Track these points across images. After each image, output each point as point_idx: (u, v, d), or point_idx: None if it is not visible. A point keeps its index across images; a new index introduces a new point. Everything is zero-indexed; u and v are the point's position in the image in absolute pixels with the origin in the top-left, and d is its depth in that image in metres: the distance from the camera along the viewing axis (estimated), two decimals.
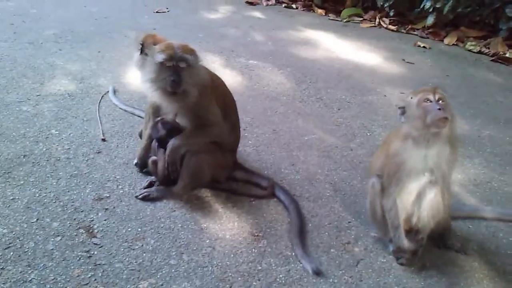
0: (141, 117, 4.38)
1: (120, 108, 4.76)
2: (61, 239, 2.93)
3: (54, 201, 3.28)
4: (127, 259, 2.85)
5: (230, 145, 3.63)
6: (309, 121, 4.87)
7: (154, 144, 3.52)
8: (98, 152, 3.94)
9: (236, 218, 3.32)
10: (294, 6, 10.31)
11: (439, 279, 2.93)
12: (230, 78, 5.67)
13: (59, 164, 3.71)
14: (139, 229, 3.11)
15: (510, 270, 3.02)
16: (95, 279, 2.66)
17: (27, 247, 2.82)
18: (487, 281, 2.93)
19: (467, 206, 3.66)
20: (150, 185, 3.54)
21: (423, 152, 2.82)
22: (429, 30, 8.69)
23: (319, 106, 5.25)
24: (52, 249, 2.83)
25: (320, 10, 9.97)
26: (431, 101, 2.76)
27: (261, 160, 4.08)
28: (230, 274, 2.81)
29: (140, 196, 3.41)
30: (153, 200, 3.40)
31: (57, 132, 4.16)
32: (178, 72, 3.14)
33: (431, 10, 8.41)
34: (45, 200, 3.27)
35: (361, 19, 9.55)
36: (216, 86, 3.52)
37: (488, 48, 7.80)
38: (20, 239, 2.88)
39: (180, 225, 3.19)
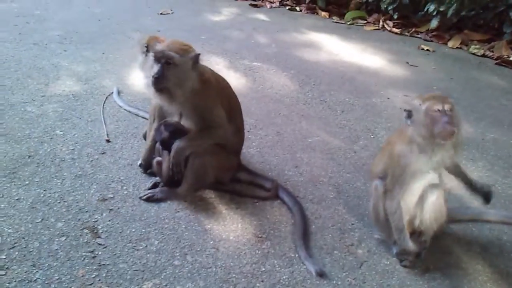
0: (145, 118, 4.39)
1: (124, 109, 4.77)
2: (65, 239, 2.94)
3: (58, 201, 3.29)
4: (131, 259, 2.85)
5: (234, 147, 3.63)
6: (312, 123, 4.87)
7: (158, 145, 3.53)
8: (103, 153, 3.96)
9: (240, 219, 3.33)
10: (298, 8, 10.35)
11: (442, 282, 2.93)
12: (234, 80, 5.69)
13: (64, 165, 3.72)
14: (143, 230, 3.12)
15: None
16: (100, 279, 2.67)
17: (32, 247, 2.83)
18: (490, 284, 2.93)
19: (470, 209, 3.64)
20: (154, 186, 3.55)
21: (427, 156, 2.83)
22: (433, 33, 8.70)
23: (323, 109, 5.26)
24: (56, 249, 2.85)
25: (323, 13, 10.00)
26: (439, 111, 2.74)
27: (265, 162, 4.08)
28: (233, 275, 2.82)
29: (144, 197, 3.42)
30: (157, 201, 3.41)
31: (61, 132, 4.18)
32: (163, 69, 3.12)
33: (435, 13, 8.43)
34: (50, 200, 3.28)
35: (365, 21, 9.57)
36: (221, 88, 3.52)
37: (492, 51, 7.80)
38: (25, 239, 2.89)
39: (184, 226, 3.20)
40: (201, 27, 8.23)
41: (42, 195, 3.33)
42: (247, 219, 3.34)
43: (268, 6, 10.43)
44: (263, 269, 2.89)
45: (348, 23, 9.42)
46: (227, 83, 3.67)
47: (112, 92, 5.08)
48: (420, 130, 2.79)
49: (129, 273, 2.75)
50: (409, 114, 2.85)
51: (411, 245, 2.95)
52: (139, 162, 3.76)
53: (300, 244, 3.07)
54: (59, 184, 3.48)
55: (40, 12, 8.09)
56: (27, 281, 2.59)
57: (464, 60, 7.59)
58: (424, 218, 2.91)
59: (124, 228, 3.12)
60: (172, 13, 9.06)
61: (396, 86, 6.13)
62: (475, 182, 3.12)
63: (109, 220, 3.17)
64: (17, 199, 3.25)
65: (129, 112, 4.72)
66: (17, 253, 2.77)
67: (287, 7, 10.39)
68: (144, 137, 3.98)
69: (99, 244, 2.95)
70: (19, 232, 2.94)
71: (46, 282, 2.60)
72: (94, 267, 2.75)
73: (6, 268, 2.66)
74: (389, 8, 9.26)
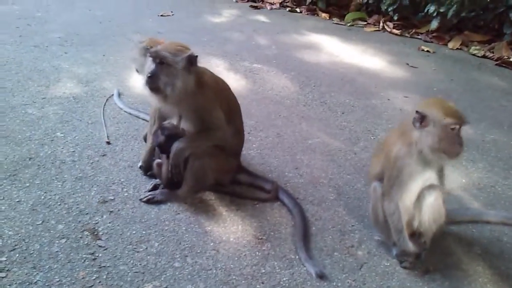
0: (145, 120, 4.40)
1: (124, 111, 4.78)
2: (66, 241, 2.94)
3: (59, 203, 3.29)
4: (131, 261, 2.86)
5: (234, 149, 3.64)
6: (313, 125, 4.88)
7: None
8: (103, 155, 3.96)
9: (240, 221, 3.33)
10: (298, 10, 10.36)
11: (442, 283, 2.93)
12: (234, 82, 5.70)
13: (64, 167, 3.73)
14: (144, 232, 3.12)
15: None
16: (100, 281, 2.67)
17: (32, 249, 2.84)
18: (490, 285, 2.92)
19: (470, 210, 3.65)
20: (155, 188, 3.56)
21: (425, 162, 2.82)
22: (433, 34, 8.71)
23: (323, 110, 5.27)
24: (57, 251, 2.85)
25: (324, 14, 10.01)
26: (456, 129, 2.72)
27: (265, 163, 4.09)
28: (234, 277, 2.82)
29: (145, 199, 3.42)
30: (157, 203, 3.42)
31: (62, 134, 4.19)
32: (157, 69, 3.14)
33: (435, 14, 8.44)
34: (50, 203, 3.29)
35: (365, 23, 9.58)
36: (220, 90, 3.53)
37: (493, 52, 7.80)
38: (26, 241, 2.90)
39: (184, 228, 3.20)
40: (202, 29, 8.24)
41: (42, 197, 3.33)
42: (247, 221, 3.34)
43: (269, 7, 10.45)
44: (263, 270, 2.89)
45: (349, 24, 9.43)
46: (226, 85, 3.67)
47: (113, 94, 5.09)
48: (429, 140, 2.73)
49: (130, 275, 2.75)
50: (421, 119, 2.75)
51: (410, 246, 2.95)
52: (140, 164, 3.77)
53: (300, 245, 3.07)
54: (59, 186, 3.49)
55: (41, 14, 8.12)
56: (27, 283, 2.59)
57: (464, 61, 7.59)
58: (423, 220, 2.90)
59: (124, 230, 3.12)
60: (173, 15, 9.08)
61: (396, 87, 6.14)
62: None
63: (109, 222, 3.18)
64: (17, 201, 3.26)
65: (130, 114, 4.73)
66: (17, 255, 2.78)
67: (288, 9, 10.41)
68: (145, 139, 3.99)
69: (99, 246, 2.95)
70: (19, 234, 2.94)
71: (47, 284, 2.60)
72: (95, 269, 2.75)
73: (7, 270, 2.67)
74: (389, 9, 9.27)
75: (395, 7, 9.16)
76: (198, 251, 3.00)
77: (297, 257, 3.02)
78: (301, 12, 10.28)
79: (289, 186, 3.79)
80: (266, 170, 3.98)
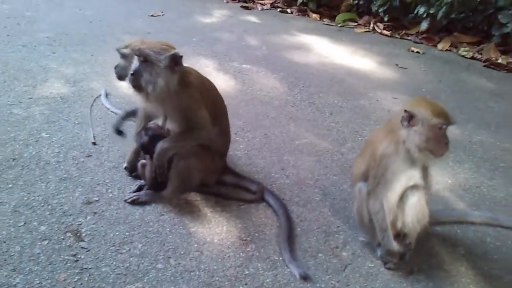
0: (133, 120, 4.37)
1: (112, 111, 4.76)
2: (48, 243, 2.92)
3: (42, 204, 3.27)
4: (114, 263, 2.84)
5: (219, 149, 3.62)
6: (301, 126, 4.88)
7: None
8: (89, 156, 3.94)
9: (224, 222, 3.32)
10: (289, 10, 10.34)
11: (426, 284, 2.93)
12: (223, 83, 5.69)
13: (49, 168, 3.71)
14: (127, 233, 3.11)
15: (496, 275, 3.03)
16: (81, 283, 2.66)
17: (13, 251, 2.82)
18: (473, 285, 2.94)
19: (455, 211, 3.66)
20: (139, 189, 3.54)
21: (412, 161, 2.83)
22: (423, 36, 8.71)
23: (311, 111, 5.26)
24: (38, 253, 2.83)
25: (314, 15, 10.00)
26: (443, 130, 2.74)
27: (251, 164, 4.08)
28: (217, 278, 2.81)
29: (129, 200, 3.41)
30: (142, 204, 3.40)
31: (47, 135, 4.16)
32: (140, 67, 3.14)
33: (425, 15, 8.45)
34: (34, 204, 3.26)
35: (356, 24, 9.57)
36: (206, 89, 3.51)
37: (481, 53, 7.82)
38: (6, 243, 2.87)
39: (168, 229, 3.19)
40: (192, 29, 8.22)
41: (25, 198, 3.31)
42: (232, 222, 3.33)
43: (259, 8, 10.43)
44: (247, 272, 2.88)
45: (339, 25, 9.42)
46: (213, 85, 3.66)
47: (100, 95, 5.06)
48: (416, 139, 2.75)
49: (112, 277, 2.74)
50: (409, 118, 2.77)
51: (395, 245, 2.94)
52: (125, 165, 3.75)
53: (284, 247, 3.06)
54: (43, 187, 3.47)
55: (31, 13, 8.07)
56: (7, 286, 2.57)
57: (453, 62, 7.61)
58: (406, 220, 2.89)
59: (108, 231, 3.11)
60: (163, 15, 9.04)
61: (385, 88, 6.14)
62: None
63: (93, 223, 3.16)
64: None
65: (117, 114, 4.70)
66: None
67: (278, 9, 10.38)
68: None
69: (82, 247, 2.93)
70: (0, 236, 2.91)
71: (26, 286, 2.58)
72: (76, 271, 2.74)
73: None
74: (380, 11, 9.27)
75: (385, 8, 9.17)
76: (182, 252, 2.99)
77: (281, 258, 3.02)
78: (292, 12, 10.27)
79: (275, 187, 3.78)
80: (253, 171, 3.97)
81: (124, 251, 2.95)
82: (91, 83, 5.38)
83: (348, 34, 8.91)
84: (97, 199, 3.42)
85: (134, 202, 3.40)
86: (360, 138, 4.71)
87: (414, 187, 2.85)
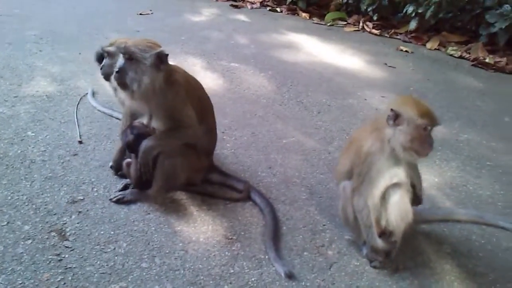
0: (119, 119, 4.35)
1: (98, 110, 4.73)
2: (31, 242, 2.89)
3: (26, 203, 3.24)
4: (98, 262, 2.82)
5: (206, 148, 3.61)
6: (288, 124, 4.87)
7: None
8: (74, 155, 3.91)
9: (210, 221, 3.31)
10: (278, 9, 10.35)
11: (411, 282, 2.94)
12: (211, 81, 5.68)
13: (34, 167, 3.67)
14: (112, 232, 3.09)
15: (480, 272, 3.04)
16: (65, 283, 2.63)
17: None
18: (457, 283, 2.95)
19: (441, 210, 3.68)
20: (125, 188, 3.52)
21: (395, 158, 2.83)
22: (412, 35, 8.77)
23: (299, 109, 5.26)
24: (21, 252, 2.80)
25: (304, 14, 10.02)
26: (428, 130, 2.74)
27: (238, 163, 4.07)
28: (201, 277, 2.80)
29: (114, 199, 3.38)
30: (127, 203, 3.38)
31: (33, 134, 4.13)
32: (125, 64, 3.12)
33: (413, 15, 8.49)
34: (17, 203, 3.23)
35: (345, 23, 9.61)
36: (192, 88, 3.49)
37: (469, 53, 7.88)
38: None
39: (153, 228, 3.17)
40: (181, 28, 8.19)
41: (9, 197, 3.28)
42: (218, 220, 3.32)
43: (249, 7, 10.42)
44: (232, 271, 2.87)
45: (328, 24, 9.45)
46: (199, 83, 3.64)
47: (87, 93, 5.03)
48: (401, 138, 2.75)
49: (96, 276, 2.72)
50: (395, 117, 2.76)
51: (379, 242, 2.94)
52: (111, 163, 3.73)
53: (270, 245, 3.05)
54: (28, 186, 3.43)
55: (19, 11, 8.03)
56: None
57: (441, 62, 7.66)
58: (390, 219, 2.89)
59: (92, 230, 3.08)
60: (152, 13, 9.02)
61: (374, 87, 6.16)
62: (419, 193, 3.10)
63: (77, 223, 3.13)
64: None
65: (103, 113, 4.68)
66: None
67: (268, 8, 10.39)
68: None
69: (66, 247, 2.91)
70: None
71: (9, 287, 2.55)
72: (60, 271, 2.71)
73: None
74: (369, 10, 9.32)
75: (374, 7, 9.21)
76: (167, 251, 2.98)
77: (266, 257, 3.00)
78: (281, 11, 10.27)
79: (262, 185, 3.77)
80: (239, 170, 3.96)
81: (109, 250, 2.93)
82: (78, 82, 5.34)
83: (337, 33, 8.94)
84: (82, 198, 3.39)
85: (119, 201, 3.38)
86: (347, 137, 4.70)
87: (396, 185, 2.85)
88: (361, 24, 9.37)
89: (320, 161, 4.22)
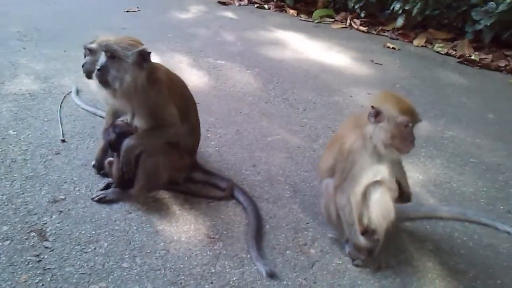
0: (103, 117, 4.30)
1: (82, 108, 4.69)
2: (10, 243, 2.86)
3: (6, 203, 3.20)
4: (78, 262, 2.79)
5: (188, 146, 3.59)
6: (273, 122, 4.86)
7: None
8: (57, 153, 3.88)
9: (193, 220, 3.29)
10: (266, 6, 10.31)
11: (393, 280, 2.94)
12: (196, 79, 5.65)
13: (15, 166, 3.63)
14: (93, 232, 3.06)
15: (462, 269, 3.06)
16: (43, 284, 2.60)
17: None
18: (439, 280, 2.95)
19: (424, 207, 3.69)
20: (107, 187, 3.49)
21: (378, 155, 2.83)
22: (399, 32, 8.77)
23: (285, 107, 5.25)
24: None
25: (292, 11, 9.99)
26: (409, 127, 2.72)
27: (222, 161, 4.05)
28: (182, 277, 2.78)
29: (96, 198, 3.36)
30: (109, 202, 3.35)
31: (15, 132, 4.08)
32: (107, 62, 3.09)
33: (400, 12, 8.50)
34: None
35: (333, 20, 9.59)
36: (174, 86, 3.47)
37: (455, 50, 7.91)
38: None
39: (135, 227, 3.15)
40: (168, 25, 8.14)
41: None
42: (200, 219, 3.30)
43: (237, 4, 10.38)
44: (213, 270, 2.86)
45: (316, 21, 9.42)
46: (182, 81, 3.61)
47: (71, 91, 4.98)
48: (382, 135, 2.74)
49: (75, 277, 2.69)
50: (376, 114, 2.75)
51: (361, 240, 2.94)
52: (93, 162, 3.69)
53: (252, 244, 3.04)
54: (8, 186, 3.39)
55: (1, 7, 7.91)
56: None
57: (428, 59, 7.67)
58: (371, 216, 2.89)
59: (73, 230, 3.05)
60: (139, 10, 8.95)
61: (360, 84, 6.15)
62: (407, 190, 3.10)
63: (58, 223, 3.10)
64: None
65: (87, 111, 4.64)
66: None
67: (256, 5, 10.34)
68: None
69: (45, 247, 2.88)
70: None
71: None
72: (38, 272, 2.68)
73: None
74: (356, 7, 9.31)
75: (361, 4, 9.20)
76: (148, 251, 2.95)
77: (248, 256, 2.99)
78: (269, 8, 10.23)
79: (246, 184, 3.76)
80: (223, 168, 3.94)
81: (89, 250, 2.91)
82: (62, 80, 5.29)
83: (325, 30, 8.92)
84: (63, 197, 3.36)
85: (101, 200, 3.35)
86: (332, 134, 4.68)
87: (378, 182, 2.84)
88: (348, 21, 9.36)
89: (305, 158, 4.22)
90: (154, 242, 3.03)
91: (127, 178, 3.32)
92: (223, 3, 10.25)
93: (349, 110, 5.31)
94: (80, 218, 3.17)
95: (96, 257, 2.85)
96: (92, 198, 3.36)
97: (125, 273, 2.76)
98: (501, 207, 3.78)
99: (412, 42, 8.45)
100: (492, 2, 7.58)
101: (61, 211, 3.21)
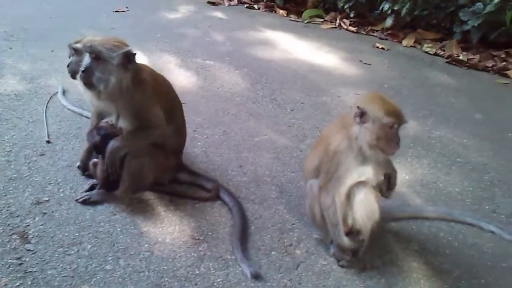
0: (89, 118, 4.27)
1: (68, 109, 4.66)
2: None
3: None
4: (61, 265, 2.77)
5: (174, 147, 3.57)
6: (261, 122, 4.85)
7: None
8: (42, 155, 3.84)
9: (177, 221, 3.27)
10: (256, 6, 10.29)
11: (378, 280, 2.94)
12: (184, 79, 5.63)
13: None
14: (77, 234, 3.03)
15: (446, 269, 3.06)
16: None
17: None
18: (424, 280, 2.96)
19: (410, 207, 3.69)
20: (92, 188, 3.46)
21: (363, 155, 2.82)
22: (388, 32, 8.79)
23: (273, 107, 5.24)
24: None
25: (281, 11, 9.98)
26: (394, 128, 2.71)
27: (209, 162, 4.03)
28: (166, 279, 2.76)
29: (80, 200, 3.33)
30: (93, 204, 3.32)
31: None
32: (91, 64, 3.07)
33: (389, 12, 8.52)
34: None
35: (322, 20, 9.59)
36: (160, 87, 3.45)
37: (444, 50, 7.93)
38: None
39: (119, 229, 3.13)
40: (157, 25, 8.11)
41: None
42: (186, 221, 3.28)
43: (226, 4, 10.35)
44: (198, 272, 2.84)
45: (306, 21, 9.42)
46: (167, 81, 3.60)
47: (57, 92, 4.94)
48: (367, 136, 2.74)
49: (57, 280, 2.66)
50: (361, 115, 2.75)
51: (346, 241, 2.93)
52: (78, 163, 3.66)
53: (237, 245, 3.03)
54: None
55: None
56: None
57: (417, 59, 7.69)
58: (356, 217, 2.88)
59: (56, 232, 3.02)
60: (128, 10, 8.91)
61: (348, 84, 6.15)
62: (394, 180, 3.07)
63: (41, 225, 3.07)
64: None
65: (73, 112, 4.61)
66: None
67: (245, 5, 10.32)
68: None
69: (27, 250, 2.85)
70: None
71: None
72: (19, 275, 2.65)
73: None
74: (346, 7, 9.32)
75: (351, 4, 9.22)
76: (132, 253, 2.93)
77: (233, 257, 2.98)
78: (259, 8, 10.22)
79: (232, 184, 3.74)
80: (210, 169, 3.93)
81: (72, 252, 2.88)
82: (49, 80, 5.25)
83: (315, 30, 8.92)
84: (47, 199, 3.33)
85: (85, 202, 3.32)
86: (319, 134, 4.69)
87: (361, 183, 2.84)
88: (338, 21, 9.36)
89: (292, 159, 4.21)
90: (138, 243, 3.01)
91: (112, 179, 3.30)
92: (213, 3, 10.22)
93: (337, 111, 5.31)
94: (64, 220, 3.15)
95: (79, 260, 2.82)
96: (77, 200, 3.33)
97: (108, 276, 2.73)
98: (487, 207, 3.80)
99: (401, 42, 8.47)
100: (480, 3, 7.63)
101: (44, 213, 3.18)
